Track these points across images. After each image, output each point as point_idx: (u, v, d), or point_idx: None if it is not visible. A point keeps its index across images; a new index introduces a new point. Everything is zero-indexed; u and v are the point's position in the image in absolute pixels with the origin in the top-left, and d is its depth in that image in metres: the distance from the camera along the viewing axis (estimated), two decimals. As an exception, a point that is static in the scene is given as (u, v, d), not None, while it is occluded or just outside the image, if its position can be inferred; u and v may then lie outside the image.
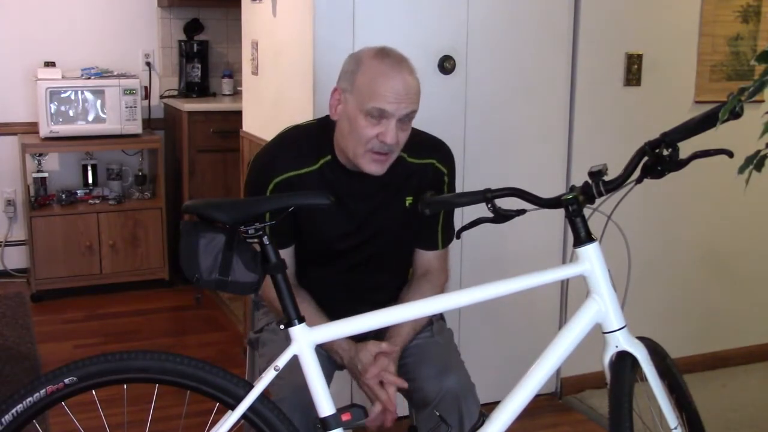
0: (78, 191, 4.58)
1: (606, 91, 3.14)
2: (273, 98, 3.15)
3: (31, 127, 4.47)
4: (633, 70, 3.15)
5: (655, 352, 1.82)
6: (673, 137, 1.72)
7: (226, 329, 4.03)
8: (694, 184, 3.27)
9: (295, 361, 1.67)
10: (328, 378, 1.98)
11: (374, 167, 1.92)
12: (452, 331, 2.23)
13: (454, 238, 2.11)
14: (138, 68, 4.78)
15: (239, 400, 1.63)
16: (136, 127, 4.47)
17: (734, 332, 3.58)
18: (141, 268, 4.53)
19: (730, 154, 1.71)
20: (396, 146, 1.91)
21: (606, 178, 1.72)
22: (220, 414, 1.66)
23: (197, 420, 1.91)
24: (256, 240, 1.65)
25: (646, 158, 1.74)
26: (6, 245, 4.73)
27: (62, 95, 4.34)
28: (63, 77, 4.39)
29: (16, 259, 4.72)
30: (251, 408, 1.64)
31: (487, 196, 1.70)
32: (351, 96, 1.90)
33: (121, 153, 4.73)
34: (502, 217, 1.71)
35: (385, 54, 1.92)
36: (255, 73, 3.35)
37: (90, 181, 4.64)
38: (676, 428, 1.79)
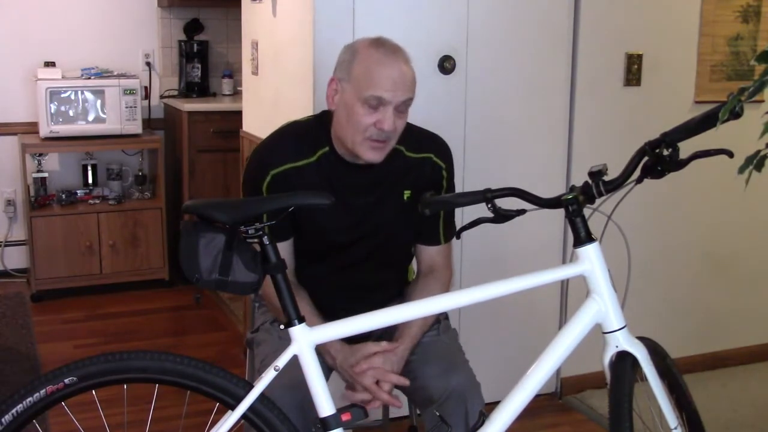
0: (78, 191, 4.58)
1: (606, 91, 3.14)
2: (273, 98, 3.15)
3: (31, 127, 4.47)
4: (633, 70, 3.15)
5: (655, 352, 1.82)
6: (673, 137, 1.72)
7: (226, 329, 4.03)
8: (694, 184, 3.27)
9: (290, 361, 1.67)
10: (325, 377, 1.98)
11: (373, 155, 1.93)
12: (456, 331, 2.23)
13: (455, 239, 2.11)
14: (138, 68, 4.78)
15: (239, 400, 1.63)
16: (136, 127, 4.48)
17: (734, 332, 3.58)
18: (141, 268, 4.53)
19: (730, 154, 1.71)
20: (394, 133, 1.93)
21: (606, 178, 1.72)
22: (220, 414, 1.66)
23: (197, 420, 1.91)
24: (256, 240, 1.65)
25: (646, 158, 1.74)
26: (6, 245, 4.73)
27: (62, 95, 4.34)
28: (63, 77, 4.40)
29: (16, 259, 4.72)
30: (251, 408, 1.64)
31: (487, 196, 1.70)
32: (348, 85, 1.92)
33: (121, 153, 4.73)
34: (502, 217, 1.71)
35: (380, 43, 1.94)
36: (255, 73, 3.35)
37: (90, 181, 4.65)
38: (676, 428, 1.79)
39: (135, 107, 4.44)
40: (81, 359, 1.61)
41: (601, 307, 1.74)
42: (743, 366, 3.55)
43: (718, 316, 3.53)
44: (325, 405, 1.67)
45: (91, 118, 4.41)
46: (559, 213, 1.78)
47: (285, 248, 2.00)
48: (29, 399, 1.57)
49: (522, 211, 1.71)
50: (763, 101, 3.15)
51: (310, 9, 2.70)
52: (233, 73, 4.86)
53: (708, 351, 3.52)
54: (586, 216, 1.74)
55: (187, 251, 1.65)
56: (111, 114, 4.42)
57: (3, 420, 1.55)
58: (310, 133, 2.05)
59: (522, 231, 2.81)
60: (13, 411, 1.56)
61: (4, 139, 4.59)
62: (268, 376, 1.65)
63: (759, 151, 1.40)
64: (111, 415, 1.96)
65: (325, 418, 1.67)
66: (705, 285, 3.48)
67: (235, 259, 1.65)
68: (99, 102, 4.40)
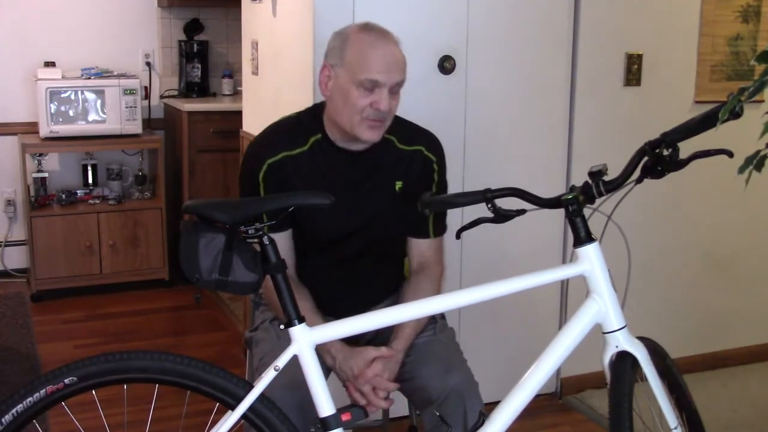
0: (78, 191, 4.58)
1: (606, 91, 3.14)
2: (273, 98, 3.15)
3: (31, 127, 4.47)
4: (633, 70, 3.15)
5: (655, 352, 1.82)
6: (673, 137, 1.72)
7: (226, 329, 4.03)
8: (694, 184, 3.27)
9: (290, 361, 1.67)
10: (324, 377, 1.98)
11: (371, 134, 1.98)
12: (454, 330, 2.23)
13: (455, 239, 2.11)
14: (138, 68, 4.78)
15: (239, 400, 1.63)
16: (136, 127, 4.48)
17: (734, 332, 3.58)
18: (141, 268, 4.53)
19: (730, 154, 1.71)
20: (389, 113, 1.98)
21: (606, 178, 1.72)
22: (220, 414, 1.66)
23: (197, 420, 1.91)
24: (256, 240, 1.65)
25: (646, 158, 1.74)
26: (6, 245, 4.73)
27: (62, 95, 4.34)
28: (63, 77, 4.40)
29: (16, 259, 4.72)
30: (251, 408, 1.64)
31: (487, 196, 1.70)
32: (342, 70, 1.96)
33: (121, 153, 4.73)
34: (502, 217, 1.71)
35: (369, 28, 2.01)
36: (255, 73, 3.35)
37: (90, 181, 4.65)
38: (676, 428, 1.79)
39: (135, 107, 4.44)
40: (81, 359, 1.61)
41: (601, 307, 1.74)
42: (743, 366, 3.55)
43: (718, 316, 3.53)
44: (325, 405, 1.67)
45: (91, 118, 4.41)
46: (559, 213, 1.78)
47: (284, 239, 2.03)
48: (29, 399, 1.57)
49: (522, 211, 1.71)
50: (763, 101, 3.14)
51: (310, 9, 2.70)
52: (233, 73, 4.86)
53: (708, 351, 3.52)
54: (586, 216, 1.74)
55: (187, 251, 1.65)
56: (111, 114, 4.42)
57: (3, 420, 1.55)
58: (303, 122, 2.10)
59: (522, 231, 2.81)
60: (13, 411, 1.56)
61: (4, 139, 4.59)
62: (268, 376, 1.65)
63: (759, 151, 1.40)
64: (111, 415, 1.96)
65: (325, 418, 1.67)
66: (705, 285, 3.48)
67: (235, 259, 1.65)
68: (99, 102, 4.40)
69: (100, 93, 4.40)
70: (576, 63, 3.07)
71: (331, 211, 2.00)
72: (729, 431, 3.00)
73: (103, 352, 1.65)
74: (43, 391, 1.57)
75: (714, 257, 3.47)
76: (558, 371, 3.04)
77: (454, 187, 2.79)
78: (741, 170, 1.40)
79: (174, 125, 4.71)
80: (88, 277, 4.41)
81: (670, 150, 1.72)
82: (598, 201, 1.72)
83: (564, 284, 3.06)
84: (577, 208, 1.72)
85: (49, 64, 4.50)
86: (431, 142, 2.16)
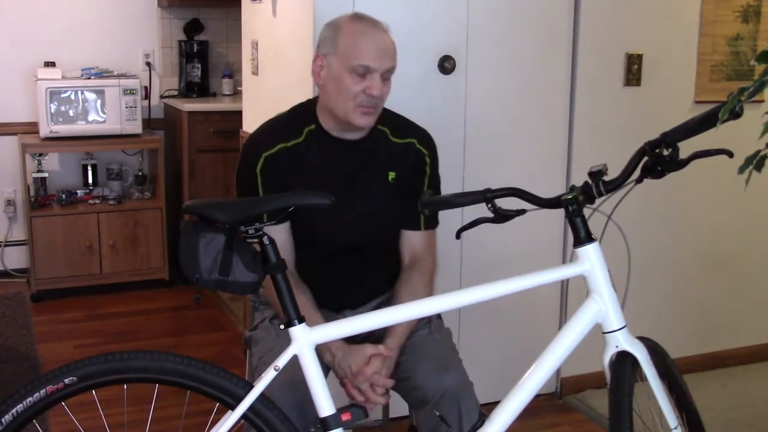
0: (78, 191, 4.58)
1: (606, 91, 3.14)
2: (273, 98, 3.15)
3: (31, 127, 4.47)
4: (633, 70, 3.15)
5: (655, 352, 1.82)
6: (673, 137, 1.72)
7: (226, 329, 4.03)
8: (694, 184, 3.27)
9: (290, 360, 1.67)
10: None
11: (365, 120, 2.03)
12: (450, 330, 2.23)
13: (455, 239, 2.11)
14: (138, 68, 4.78)
15: (239, 400, 1.63)
16: (136, 127, 4.48)
17: (734, 332, 3.58)
18: (141, 268, 4.53)
19: (730, 154, 1.71)
20: (381, 99, 2.03)
21: (606, 178, 1.72)
22: (220, 414, 1.66)
23: (197, 420, 1.91)
24: (256, 240, 1.65)
25: (646, 158, 1.74)
26: (6, 245, 4.73)
27: (62, 95, 4.34)
28: (63, 77, 4.40)
29: (16, 259, 4.72)
30: (251, 408, 1.64)
31: (487, 196, 1.70)
32: (334, 58, 2.01)
33: (121, 153, 4.73)
34: (502, 217, 1.71)
35: (359, 17, 2.08)
36: (255, 73, 3.35)
37: (90, 181, 4.65)
38: (676, 428, 1.79)
39: (135, 107, 4.44)
40: (81, 359, 1.60)
41: (601, 307, 1.74)
42: (743, 366, 3.55)
43: (718, 316, 3.53)
44: (325, 405, 1.67)
45: (91, 118, 4.41)
46: (559, 213, 1.78)
47: (282, 232, 2.04)
48: (29, 399, 1.57)
49: (522, 211, 1.71)
50: (763, 101, 3.15)
51: (310, 9, 2.70)
52: (233, 73, 4.86)
53: (708, 351, 3.52)
54: (586, 216, 1.74)
55: (187, 251, 1.65)
56: (111, 114, 4.42)
57: (3, 420, 1.55)
58: (297, 115, 2.16)
59: (522, 231, 2.82)
60: (13, 411, 1.56)
61: (4, 139, 4.60)
62: (268, 376, 1.65)
63: (759, 151, 1.40)
64: (111, 415, 1.96)
65: (325, 418, 1.67)
66: (705, 285, 3.48)
67: (235, 259, 1.65)
68: (99, 102, 4.40)
69: (100, 93, 4.40)
70: (576, 63, 3.07)
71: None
72: (729, 431, 3.00)
73: (103, 352, 1.65)
74: (43, 391, 1.57)
75: (714, 257, 3.47)
76: (558, 371, 3.04)
77: (454, 187, 2.80)
78: (741, 170, 1.40)
79: (174, 125, 4.71)
80: (88, 277, 4.41)
81: (670, 150, 1.72)
82: (598, 201, 1.72)
83: (564, 284, 3.07)
84: (577, 208, 1.72)
85: (49, 64, 4.50)
86: (423, 136, 2.21)
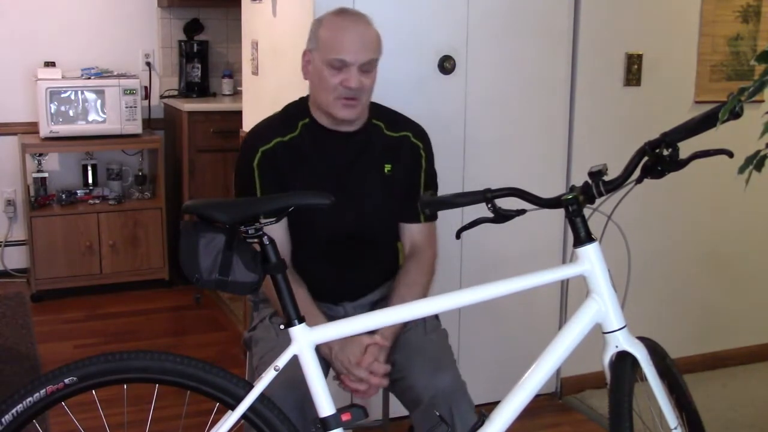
0: (78, 191, 4.58)
1: (606, 91, 3.14)
2: (273, 98, 3.15)
3: (31, 127, 4.47)
4: (633, 70, 3.15)
5: (655, 352, 1.82)
6: (673, 137, 1.72)
7: (226, 329, 4.03)
8: (694, 184, 3.27)
9: (290, 360, 1.67)
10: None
11: (346, 112, 2.07)
12: (446, 332, 2.23)
13: (455, 239, 2.11)
14: (138, 68, 4.78)
15: (239, 400, 1.63)
16: (136, 127, 4.48)
17: (734, 332, 3.58)
18: (141, 268, 4.53)
19: (730, 154, 1.71)
20: (361, 91, 2.06)
21: (606, 178, 1.72)
22: (220, 414, 1.66)
23: (197, 420, 1.91)
24: (256, 240, 1.65)
25: (646, 158, 1.74)
26: (6, 245, 4.73)
27: (62, 95, 4.34)
28: (63, 77, 4.40)
29: (16, 259, 4.72)
30: (251, 408, 1.64)
31: (487, 196, 1.70)
32: (317, 52, 2.08)
33: (121, 153, 4.73)
34: (502, 217, 1.71)
35: (343, 11, 2.15)
36: (255, 73, 3.35)
37: (90, 181, 4.65)
38: (676, 428, 1.79)
39: (135, 107, 4.44)
40: (81, 359, 1.61)
41: (601, 307, 1.74)
42: (743, 366, 3.55)
43: (718, 316, 3.53)
44: (325, 405, 1.67)
45: (91, 118, 4.41)
46: (559, 213, 1.78)
47: (280, 228, 2.06)
48: (29, 399, 1.57)
49: (522, 211, 1.71)
50: (763, 101, 3.14)
51: (310, 9, 2.70)
52: (233, 73, 4.86)
53: (708, 351, 3.52)
54: (586, 216, 1.74)
55: (187, 251, 1.65)
56: (111, 114, 4.42)
57: (3, 420, 1.55)
58: (292, 111, 2.22)
59: (522, 231, 2.81)
60: (13, 411, 1.56)
61: (4, 139, 4.59)
62: (268, 376, 1.65)
63: (759, 151, 1.39)
64: (111, 415, 1.96)
65: (325, 418, 1.67)
66: (705, 285, 3.48)
67: (235, 259, 1.65)
68: (99, 102, 4.40)
69: (100, 93, 4.40)
70: (576, 63, 3.07)
71: (322, 186, 2.06)
72: (729, 431, 3.00)
73: (103, 352, 1.65)
74: (43, 391, 1.57)
75: (714, 257, 3.47)
76: (558, 371, 3.04)
77: (454, 187, 2.80)
78: (741, 170, 1.40)
79: (174, 125, 4.70)
80: (88, 277, 4.41)
81: (670, 150, 1.72)
82: (598, 201, 1.72)
83: (564, 284, 3.07)
84: (577, 208, 1.72)
85: (49, 64, 4.50)
86: (418, 130, 2.25)
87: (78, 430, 1.85)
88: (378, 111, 2.22)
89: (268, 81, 3.21)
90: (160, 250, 4.54)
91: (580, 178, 1.79)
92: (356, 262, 2.19)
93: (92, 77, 4.46)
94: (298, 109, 2.20)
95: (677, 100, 3.25)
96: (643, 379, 1.75)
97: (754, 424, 3.06)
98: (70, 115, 4.36)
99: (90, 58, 4.64)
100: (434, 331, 2.17)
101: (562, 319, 3.17)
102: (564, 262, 3.15)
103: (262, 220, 1.66)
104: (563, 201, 1.72)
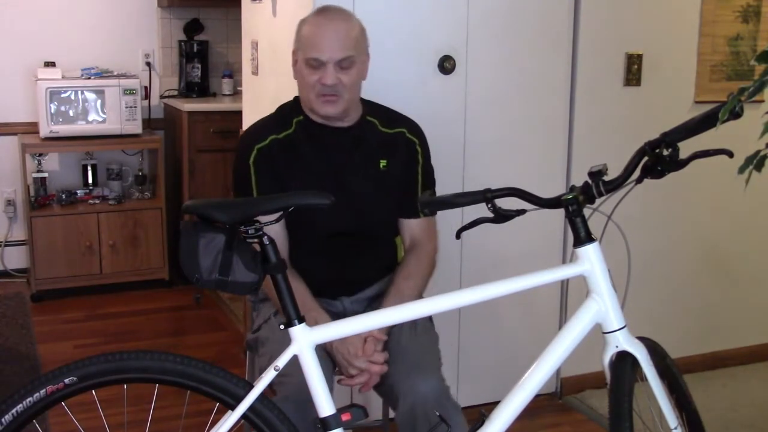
0: (78, 191, 4.57)
1: (606, 91, 3.14)
2: (273, 98, 3.14)
3: (31, 127, 4.47)
4: (633, 70, 3.15)
5: (655, 352, 1.82)
6: (673, 137, 1.72)
7: (226, 329, 4.03)
8: (694, 184, 3.27)
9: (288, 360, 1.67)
10: (330, 378, 1.99)
11: (327, 108, 2.11)
12: (437, 335, 2.23)
13: (455, 239, 2.11)
14: (138, 68, 4.78)
15: (239, 400, 1.63)
16: (136, 127, 4.48)
17: (734, 332, 3.58)
18: (141, 268, 4.53)
19: (730, 154, 1.71)
20: (341, 87, 2.08)
21: (606, 178, 1.72)
22: (220, 414, 1.66)
23: (197, 420, 1.91)
24: (256, 240, 1.65)
25: (646, 158, 1.74)
26: (6, 245, 4.73)
27: (62, 95, 4.34)
28: (63, 77, 4.39)
29: (16, 259, 4.72)
30: (251, 408, 1.64)
31: (487, 196, 1.70)
32: (300, 52, 2.13)
33: (121, 153, 4.73)
34: (502, 217, 1.71)
35: (323, 9, 2.17)
36: (255, 73, 3.34)
37: (90, 181, 4.64)
38: (676, 428, 1.79)
39: (135, 107, 4.44)
40: (81, 359, 1.60)
41: (601, 307, 1.74)
42: (743, 366, 3.55)
43: (718, 316, 3.53)
44: (325, 405, 1.67)
45: (91, 118, 4.41)
46: (559, 213, 1.78)
47: (277, 225, 2.04)
48: (29, 399, 1.56)
49: (522, 211, 1.71)
50: (763, 101, 3.15)
51: (310, 9, 2.69)
52: (233, 73, 4.86)
53: (708, 351, 3.52)
54: (586, 216, 1.74)
55: (187, 251, 1.65)
56: (111, 114, 4.42)
57: (3, 420, 1.55)
58: (286, 109, 2.25)
59: (522, 231, 2.81)
60: (13, 411, 1.56)
61: (4, 139, 4.59)
62: (268, 376, 1.66)
63: (759, 151, 1.39)
64: (111, 415, 1.96)
65: (325, 418, 1.67)
66: (705, 285, 3.48)
67: (235, 259, 1.65)
68: (99, 102, 4.40)
69: (100, 93, 4.40)
70: (576, 63, 3.07)
71: (317, 187, 2.07)
72: (729, 431, 3.00)
73: (103, 352, 1.64)
74: (43, 391, 1.57)
75: (714, 257, 3.47)
76: (558, 371, 3.04)
77: (454, 187, 2.80)
78: (741, 170, 1.40)
79: (174, 125, 4.70)
80: (88, 277, 4.41)
81: (670, 150, 1.72)
82: (598, 201, 1.72)
83: (564, 284, 3.06)
84: (577, 208, 1.72)
85: (49, 64, 4.50)
86: (413, 126, 2.27)
87: (78, 430, 1.85)
88: (372, 108, 2.24)
89: (268, 81, 3.21)
90: (160, 250, 4.54)
91: (580, 178, 1.79)
92: (354, 258, 2.20)
93: (92, 77, 4.46)
94: (291, 107, 2.24)
95: (677, 100, 3.25)
96: (643, 379, 1.75)
97: (754, 424, 3.06)
98: (70, 115, 4.36)
99: (90, 58, 4.64)
100: (424, 333, 2.16)
101: (562, 319, 3.17)
102: (564, 262, 3.15)
103: (263, 220, 1.66)
104: (563, 201, 1.72)
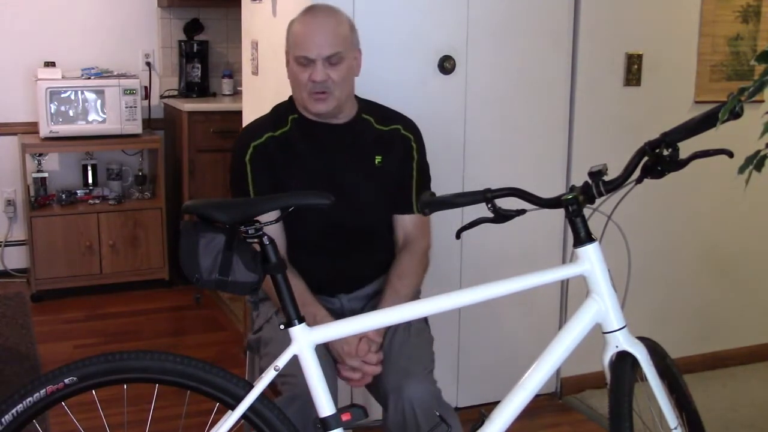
0: (78, 191, 4.58)
1: (606, 91, 3.14)
2: (273, 98, 3.13)
3: (31, 127, 4.47)
4: (633, 70, 3.15)
5: (655, 352, 1.82)
6: (673, 137, 1.72)
7: (226, 329, 4.03)
8: (694, 184, 3.27)
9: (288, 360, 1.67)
10: (332, 378, 1.99)
11: (318, 106, 2.13)
12: (432, 338, 2.23)
13: (455, 239, 2.11)
14: (138, 68, 4.78)
15: (239, 400, 1.63)
16: (136, 127, 4.48)
17: (734, 332, 3.58)
18: (141, 268, 4.53)
19: (730, 154, 1.71)
20: (330, 83, 2.10)
21: (606, 178, 1.72)
22: (220, 414, 1.66)
23: (197, 420, 1.91)
24: (256, 240, 1.65)
25: (646, 158, 1.74)
26: (6, 245, 4.73)
27: (62, 95, 4.34)
28: (63, 77, 4.39)
29: (16, 259, 4.72)
30: (251, 408, 1.64)
31: (487, 196, 1.70)
32: (290, 51, 2.16)
33: (121, 153, 4.73)
34: (502, 217, 1.71)
35: (310, 8, 2.19)
36: (255, 73, 3.34)
37: (90, 181, 4.65)
38: (676, 428, 1.79)
39: (135, 107, 4.44)
40: (81, 359, 1.60)
41: (601, 307, 1.74)
42: (743, 366, 3.55)
43: (718, 316, 3.53)
44: (325, 405, 1.67)
45: (91, 118, 4.41)
46: (559, 213, 1.78)
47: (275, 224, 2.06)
48: (29, 399, 1.57)
49: (522, 211, 1.71)
50: (763, 101, 3.14)
51: (310, 9, 2.69)
52: (233, 73, 4.86)
53: (708, 351, 3.52)
54: (586, 216, 1.74)
55: (187, 251, 1.66)
56: (111, 114, 4.42)
57: (3, 420, 1.55)
58: (281, 108, 2.27)
59: (522, 231, 2.82)
60: (13, 411, 1.56)
61: (4, 139, 4.59)
62: (268, 376, 1.66)
63: (759, 151, 1.39)
64: (111, 415, 1.96)
65: (325, 418, 1.67)
66: (705, 285, 3.48)
67: (235, 259, 1.65)
68: (99, 102, 4.40)
69: (100, 93, 4.40)
70: (576, 63, 3.07)
71: (314, 184, 2.12)
72: (729, 431, 3.00)
73: (103, 352, 1.64)
74: (43, 391, 1.57)
75: (714, 257, 3.47)
76: (558, 371, 3.03)
77: (454, 187, 2.80)
78: (741, 170, 1.40)
79: (174, 125, 4.70)
80: (88, 277, 4.41)
81: (670, 150, 1.72)
82: (598, 201, 1.72)
83: (564, 284, 3.07)
84: (577, 208, 1.72)
85: (49, 64, 4.50)
86: (408, 123, 2.28)
87: (78, 430, 1.85)
88: (368, 106, 2.26)
89: (268, 81, 3.21)
90: (160, 250, 4.54)
91: (580, 178, 1.79)
92: (351, 255, 2.21)
93: (92, 77, 4.46)
94: (287, 106, 2.26)
95: (677, 100, 3.25)
96: (643, 379, 1.75)
97: (754, 424, 3.06)
98: (70, 115, 4.36)
99: (90, 58, 4.64)
100: (417, 336, 2.15)
101: (562, 319, 3.17)
102: (564, 262, 3.15)
103: (262, 220, 1.66)
104: (563, 201, 1.72)
